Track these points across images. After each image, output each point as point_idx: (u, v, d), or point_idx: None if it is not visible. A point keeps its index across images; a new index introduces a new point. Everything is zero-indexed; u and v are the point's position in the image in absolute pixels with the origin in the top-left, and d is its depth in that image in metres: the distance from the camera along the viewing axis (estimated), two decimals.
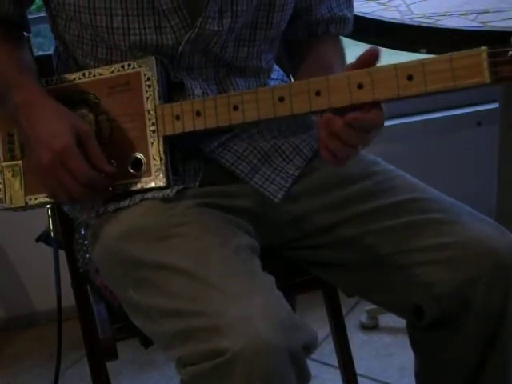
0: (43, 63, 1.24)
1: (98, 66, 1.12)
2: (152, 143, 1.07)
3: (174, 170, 1.09)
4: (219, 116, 1.04)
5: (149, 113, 1.08)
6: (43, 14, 1.23)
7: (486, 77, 0.90)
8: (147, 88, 1.08)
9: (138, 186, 1.08)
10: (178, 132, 1.07)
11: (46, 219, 1.33)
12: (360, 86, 0.95)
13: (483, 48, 0.91)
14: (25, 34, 1.21)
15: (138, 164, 1.08)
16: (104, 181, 1.08)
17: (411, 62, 0.94)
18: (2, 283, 2.11)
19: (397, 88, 0.93)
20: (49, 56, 1.25)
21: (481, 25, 1.36)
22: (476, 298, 1.07)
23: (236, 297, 0.95)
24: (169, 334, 1.00)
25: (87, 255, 1.27)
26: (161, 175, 1.07)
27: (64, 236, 1.32)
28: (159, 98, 1.08)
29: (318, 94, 0.98)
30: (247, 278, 0.99)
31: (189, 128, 1.06)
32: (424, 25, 1.37)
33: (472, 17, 1.40)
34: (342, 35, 1.27)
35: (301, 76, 1.16)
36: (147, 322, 1.06)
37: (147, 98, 1.08)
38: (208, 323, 0.94)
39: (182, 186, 1.10)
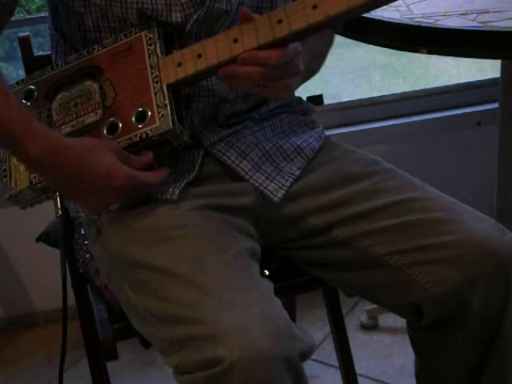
0: (43, 63, 1.24)
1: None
2: (156, 93, 1.06)
3: (180, 120, 1.07)
4: (219, 51, 1.03)
5: (151, 67, 1.07)
6: (43, 14, 1.23)
7: None
8: (149, 47, 1.08)
9: (144, 135, 1.05)
10: (180, 77, 1.05)
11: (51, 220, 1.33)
12: None
13: None
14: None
15: (143, 116, 1.07)
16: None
17: None
18: (2, 283, 2.11)
19: None
20: (49, 56, 1.25)
21: (481, 25, 1.35)
22: (476, 297, 1.07)
23: (233, 305, 0.95)
24: (166, 340, 1.00)
25: (87, 255, 1.27)
26: (166, 119, 1.04)
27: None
28: (161, 53, 1.07)
29: (314, 7, 0.99)
30: (245, 286, 0.99)
31: (191, 70, 1.05)
32: (424, 25, 1.37)
33: (472, 17, 1.40)
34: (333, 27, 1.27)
35: None
36: (144, 324, 1.06)
37: (149, 55, 1.08)
38: (204, 331, 0.93)
39: (184, 184, 1.10)
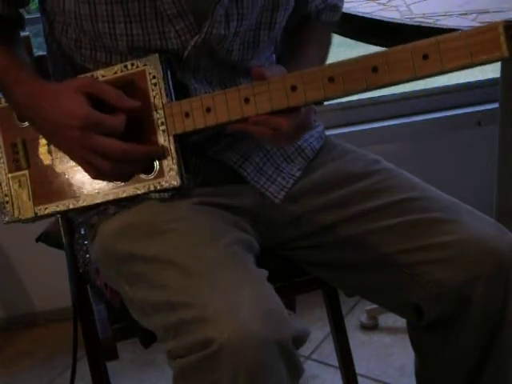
0: (43, 63, 1.24)
1: (98, 69, 1.07)
2: (163, 143, 1.03)
3: (186, 167, 1.05)
4: (230, 110, 1.00)
5: (157, 112, 1.03)
6: None
7: (504, 50, 0.86)
8: (153, 87, 1.04)
9: (152, 187, 1.04)
10: (188, 130, 1.03)
11: (51, 220, 1.33)
12: (375, 69, 0.93)
13: (499, 22, 0.88)
14: (21, 33, 1.19)
15: (150, 166, 1.04)
16: (137, 148, 1.02)
17: (426, 40, 0.91)
18: (2, 283, 2.11)
19: (413, 68, 0.91)
20: None
21: (481, 25, 1.35)
22: (475, 297, 1.07)
23: (224, 288, 0.95)
24: (161, 328, 1.00)
25: (87, 255, 1.27)
26: (174, 174, 1.03)
27: (64, 236, 1.32)
28: (166, 96, 1.03)
29: (331, 80, 0.95)
30: (237, 271, 0.99)
31: (200, 125, 1.02)
32: (424, 25, 1.37)
33: (472, 17, 1.40)
34: (331, 23, 1.27)
35: (286, 62, 1.15)
36: (143, 316, 1.06)
37: (154, 97, 1.04)
38: (196, 314, 0.93)
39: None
